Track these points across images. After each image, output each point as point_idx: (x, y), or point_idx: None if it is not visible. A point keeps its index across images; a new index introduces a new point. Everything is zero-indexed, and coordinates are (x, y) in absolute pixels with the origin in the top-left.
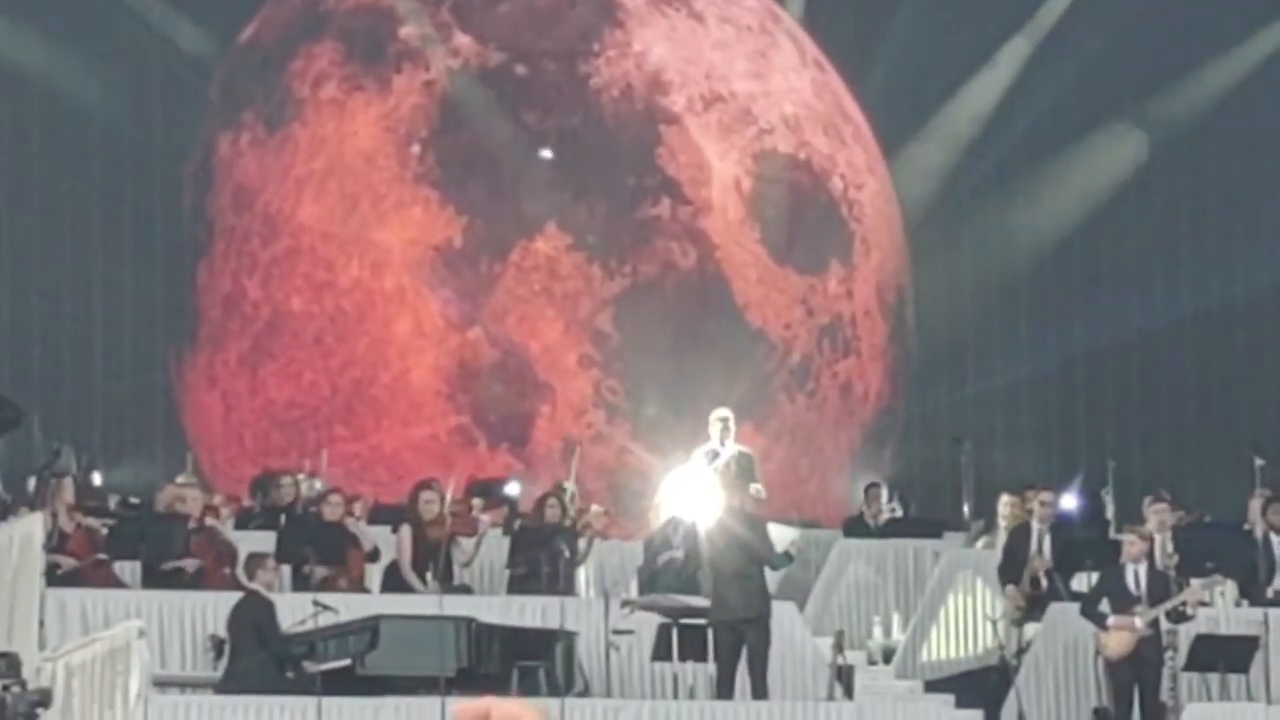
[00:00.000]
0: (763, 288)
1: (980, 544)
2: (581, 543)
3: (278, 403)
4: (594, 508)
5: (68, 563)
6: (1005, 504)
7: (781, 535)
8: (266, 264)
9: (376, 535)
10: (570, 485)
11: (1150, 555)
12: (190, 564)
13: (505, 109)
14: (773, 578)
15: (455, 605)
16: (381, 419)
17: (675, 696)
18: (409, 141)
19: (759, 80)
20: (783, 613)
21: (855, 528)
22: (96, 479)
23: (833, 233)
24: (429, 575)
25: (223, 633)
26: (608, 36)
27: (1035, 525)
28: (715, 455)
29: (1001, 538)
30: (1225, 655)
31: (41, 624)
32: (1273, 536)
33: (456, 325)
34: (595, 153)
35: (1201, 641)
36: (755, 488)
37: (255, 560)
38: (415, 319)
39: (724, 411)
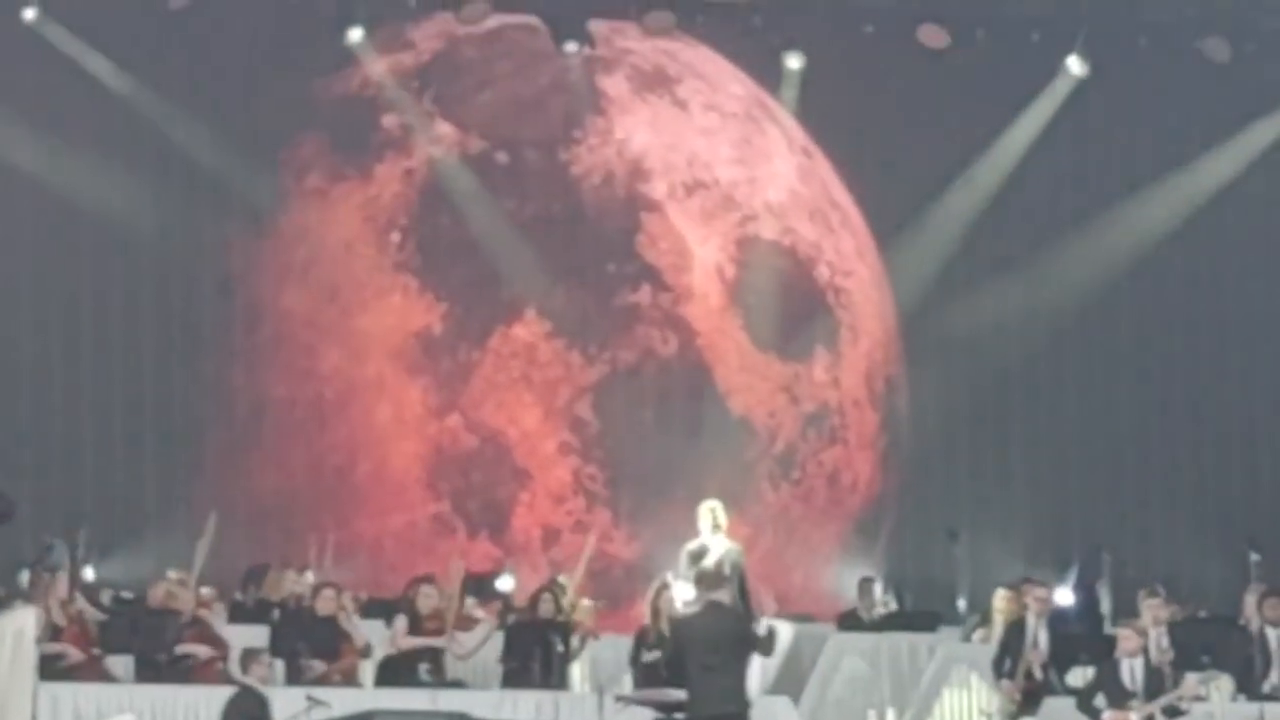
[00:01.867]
0: (745, 375)
1: (976, 637)
2: (575, 639)
3: (263, 491)
4: (585, 602)
5: (73, 653)
6: (1001, 598)
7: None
8: (249, 351)
9: (369, 629)
10: (565, 579)
11: (1145, 650)
12: (201, 650)
13: (486, 196)
14: (769, 672)
15: (449, 700)
16: (361, 507)
17: None
18: (389, 229)
19: (743, 166)
20: (778, 707)
21: (849, 622)
22: (89, 574)
23: (818, 320)
24: (423, 669)
25: None
26: (590, 124)
27: (1031, 619)
28: (701, 552)
29: (997, 631)
30: None
31: (34, 719)
32: (1269, 631)
33: (435, 412)
34: (575, 239)
35: None
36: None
37: (250, 655)
38: (395, 406)
39: (713, 502)
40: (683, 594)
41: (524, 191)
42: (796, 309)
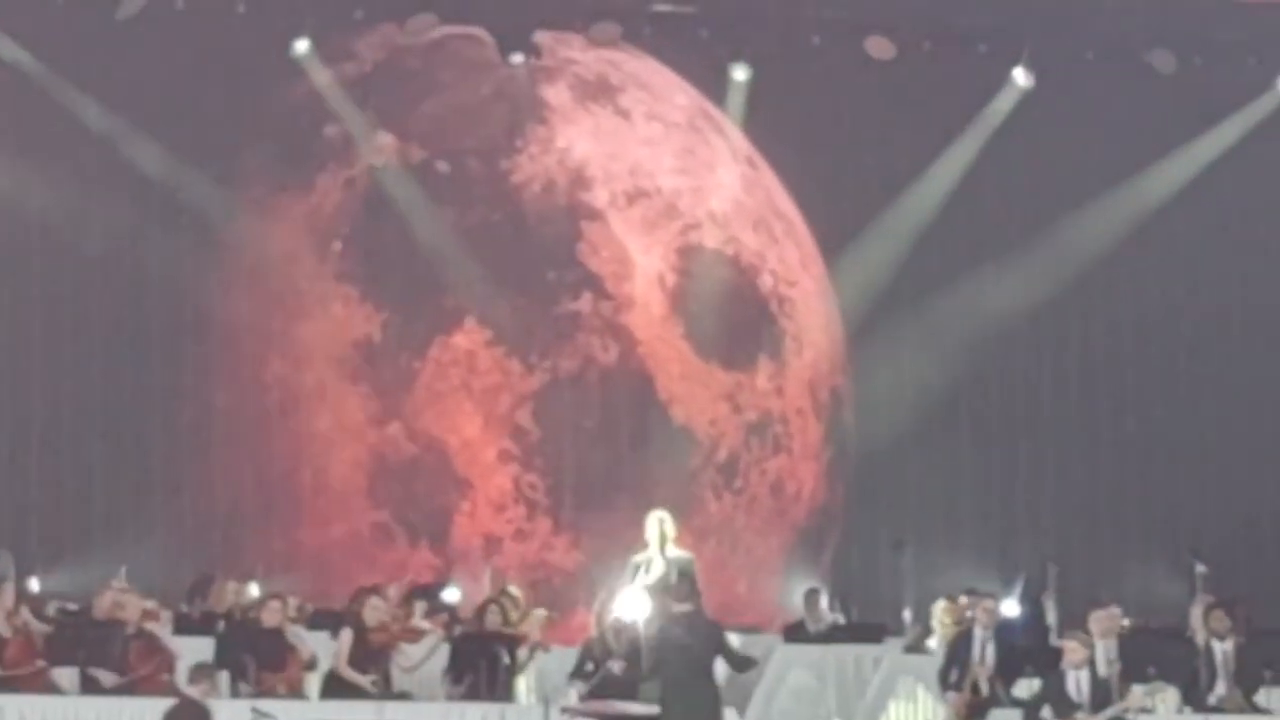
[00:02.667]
0: (687, 383)
1: (930, 643)
2: (522, 651)
3: (208, 500)
4: (536, 612)
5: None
6: (941, 609)
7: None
8: (196, 361)
9: (315, 640)
10: (515, 590)
11: (1091, 662)
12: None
13: (427, 205)
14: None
15: (395, 712)
16: (304, 516)
17: None
18: (331, 238)
19: (686, 176)
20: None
21: (796, 633)
22: (34, 585)
23: (762, 329)
24: (369, 680)
25: None
26: (531, 133)
27: (978, 631)
28: (647, 564)
29: (937, 641)
30: None
31: None
32: (1214, 643)
33: (376, 420)
34: (516, 248)
35: None
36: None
37: (200, 670)
38: (335, 414)
39: (661, 513)
40: (625, 605)
41: (465, 200)
42: (739, 318)
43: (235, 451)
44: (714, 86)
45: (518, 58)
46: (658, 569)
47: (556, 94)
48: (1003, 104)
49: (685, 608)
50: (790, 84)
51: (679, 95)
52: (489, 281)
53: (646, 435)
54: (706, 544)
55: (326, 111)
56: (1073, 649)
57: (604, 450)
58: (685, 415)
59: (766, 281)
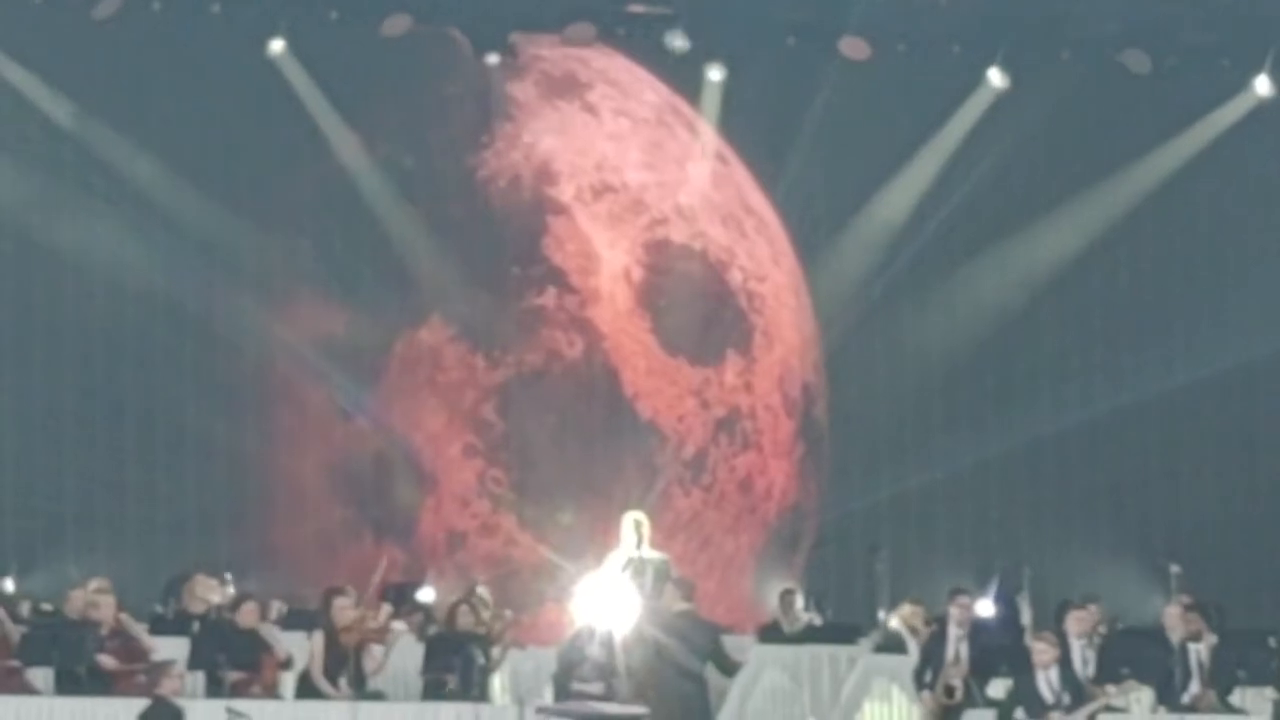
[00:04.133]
0: (653, 378)
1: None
2: (496, 650)
3: (181, 500)
4: (507, 613)
5: None
6: (908, 613)
7: None
8: (167, 359)
9: (290, 641)
10: (484, 590)
11: (1061, 661)
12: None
13: (393, 201)
14: None
15: (369, 713)
16: (276, 514)
17: None
18: (298, 235)
19: (653, 171)
20: None
21: (770, 634)
22: (8, 585)
23: (730, 324)
24: (342, 682)
25: None
26: (498, 129)
27: (953, 630)
28: (632, 561)
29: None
30: None
31: None
32: (1189, 644)
33: (340, 417)
34: (480, 243)
35: None
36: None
37: (160, 667)
38: (300, 411)
39: (638, 514)
40: (601, 608)
41: (431, 196)
42: (707, 313)
43: (209, 450)
44: (689, 87)
45: (493, 58)
46: (634, 570)
47: (523, 90)
48: (977, 105)
49: (684, 607)
50: (765, 84)
51: (647, 91)
52: (454, 277)
53: (612, 431)
54: (674, 541)
55: (295, 108)
56: (1041, 650)
57: (569, 446)
58: (652, 410)
59: (735, 277)
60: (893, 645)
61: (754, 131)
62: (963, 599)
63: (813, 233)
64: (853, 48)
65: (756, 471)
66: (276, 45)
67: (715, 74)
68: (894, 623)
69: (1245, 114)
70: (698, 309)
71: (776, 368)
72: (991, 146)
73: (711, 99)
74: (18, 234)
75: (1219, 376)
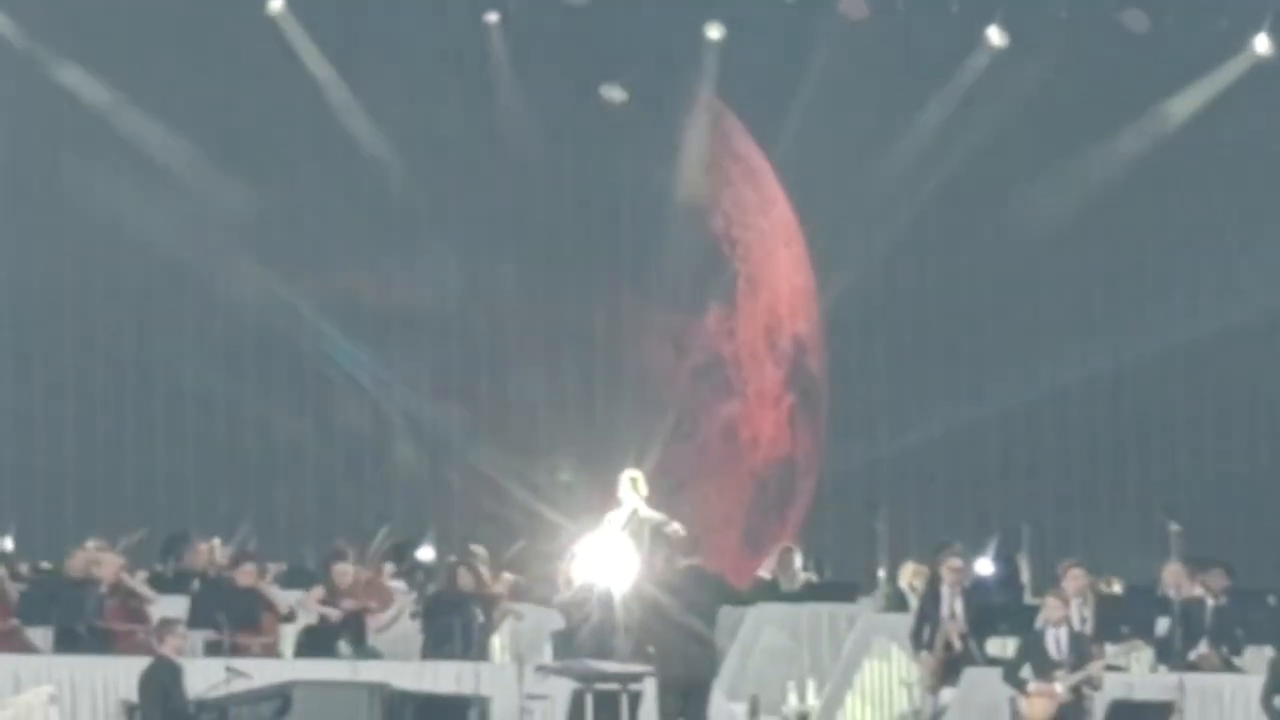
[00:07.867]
0: (630, 324)
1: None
2: (497, 611)
3: (181, 460)
4: (505, 575)
5: None
6: (911, 572)
7: None
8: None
9: (289, 599)
10: (478, 548)
11: (1069, 619)
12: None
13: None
14: None
15: (369, 671)
16: (276, 474)
17: None
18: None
19: None
20: None
21: (769, 592)
22: (8, 544)
23: (710, 270)
24: (342, 642)
25: (134, 698)
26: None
27: (946, 590)
28: (623, 523)
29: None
30: None
31: None
32: (1208, 600)
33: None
34: (479, 205)
35: (1117, 707)
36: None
37: (165, 625)
38: (299, 370)
39: (633, 472)
40: (601, 565)
41: (430, 154)
42: (686, 259)
43: (207, 411)
44: (688, 45)
45: (492, 16)
46: (632, 527)
47: None
48: (976, 63)
49: (692, 560)
50: (765, 43)
51: None
52: (431, 234)
53: (589, 379)
54: (655, 491)
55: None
56: (1053, 606)
57: (547, 395)
58: (629, 357)
59: (718, 223)
60: (898, 605)
61: (753, 90)
62: (954, 560)
63: (812, 190)
64: (852, 7)
65: (741, 420)
66: (276, 3)
67: (714, 33)
68: (901, 582)
69: (1244, 73)
70: (675, 255)
71: (762, 315)
72: (990, 104)
73: (711, 58)
74: (16, 193)
75: (1218, 334)
